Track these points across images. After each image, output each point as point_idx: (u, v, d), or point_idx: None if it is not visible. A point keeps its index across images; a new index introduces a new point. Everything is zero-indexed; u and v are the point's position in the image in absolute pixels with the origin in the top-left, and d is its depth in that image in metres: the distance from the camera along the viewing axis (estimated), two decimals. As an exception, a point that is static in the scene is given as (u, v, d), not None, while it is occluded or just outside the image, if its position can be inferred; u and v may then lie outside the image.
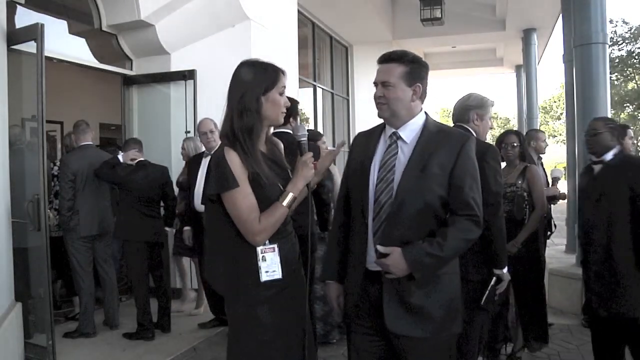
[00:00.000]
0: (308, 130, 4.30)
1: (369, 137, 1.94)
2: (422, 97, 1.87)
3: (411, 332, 1.76)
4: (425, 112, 1.91)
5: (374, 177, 1.83)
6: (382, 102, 1.83)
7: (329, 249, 2.09)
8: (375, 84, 1.86)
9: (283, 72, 1.87)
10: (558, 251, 6.08)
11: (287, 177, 1.89)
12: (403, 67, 1.82)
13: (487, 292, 2.41)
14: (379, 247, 1.75)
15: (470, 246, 1.82)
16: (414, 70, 1.84)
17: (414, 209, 1.75)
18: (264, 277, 1.77)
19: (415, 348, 1.78)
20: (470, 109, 2.60)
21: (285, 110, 1.88)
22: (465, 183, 1.77)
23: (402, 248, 1.71)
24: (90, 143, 4.27)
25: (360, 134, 2.01)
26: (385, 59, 1.85)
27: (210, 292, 4.20)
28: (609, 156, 2.78)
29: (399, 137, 1.84)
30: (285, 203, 1.79)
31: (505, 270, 2.43)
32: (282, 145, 2.03)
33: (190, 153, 4.48)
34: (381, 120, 1.93)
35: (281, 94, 1.84)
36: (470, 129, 2.58)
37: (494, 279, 2.42)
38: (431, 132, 1.83)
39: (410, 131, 1.84)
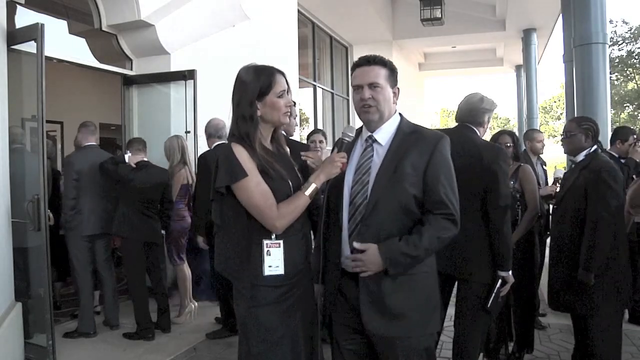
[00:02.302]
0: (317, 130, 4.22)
1: (347, 143, 1.97)
2: (397, 99, 1.91)
3: (387, 332, 1.77)
4: (400, 114, 1.92)
5: (350, 180, 1.85)
6: (370, 104, 1.83)
7: (313, 252, 2.11)
8: (359, 87, 1.84)
9: (281, 74, 1.87)
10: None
11: (295, 175, 1.90)
12: (386, 70, 1.84)
13: (493, 294, 2.42)
14: (355, 244, 1.77)
15: (448, 243, 1.81)
16: (393, 72, 1.87)
17: (388, 210, 1.76)
18: (267, 272, 1.78)
19: (392, 347, 1.79)
20: (485, 112, 2.62)
21: (289, 111, 1.88)
22: (439, 182, 1.77)
23: (377, 244, 1.73)
24: (94, 144, 4.29)
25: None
26: (368, 61, 1.85)
27: (221, 297, 4.13)
28: (580, 157, 2.79)
29: (375, 140, 1.86)
30: (307, 193, 1.81)
31: (510, 272, 2.44)
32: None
33: (166, 152, 4.51)
34: None
35: (280, 96, 1.84)
36: (475, 129, 2.61)
37: (499, 281, 2.43)
38: (405, 133, 1.84)
39: (385, 133, 1.86)
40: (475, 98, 2.65)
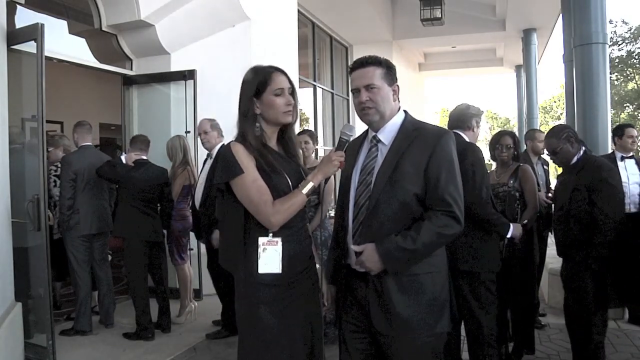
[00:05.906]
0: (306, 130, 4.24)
1: (355, 144, 1.98)
2: (398, 96, 1.90)
3: (394, 332, 1.77)
4: (405, 111, 1.92)
5: (355, 181, 1.86)
6: (369, 105, 1.83)
7: (328, 253, 2.12)
8: (356, 90, 1.85)
9: (282, 73, 1.88)
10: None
11: (300, 176, 1.90)
12: (381, 69, 1.84)
13: (504, 248, 2.92)
14: (353, 247, 1.79)
15: (449, 241, 1.81)
16: (390, 70, 1.87)
17: (389, 209, 1.75)
18: (262, 269, 1.78)
19: (399, 347, 1.79)
20: (472, 116, 2.93)
21: (289, 110, 1.88)
22: (440, 179, 1.75)
23: (374, 242, 1.74)
24: (90, 144, 4.31)
25: (350, 142, 2.01)
26: (362, 64, 1.85)
27: (222, 297, 4.14)
28: (573, 161, 2.97)
29: (379, 140, 1.87)
30: (304, 191, 1.81)
31: (510, 231, 2.85)
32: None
33: (169, 153, 4.50)
34: None
35: (277, 95, 1.84)
36: (464, 136, 2.85)
37: (506, 240, 2.92)
38: (407, 130, 1.84)
39: (388, 132, 1.86)
40: (463, 106, 3.01)
